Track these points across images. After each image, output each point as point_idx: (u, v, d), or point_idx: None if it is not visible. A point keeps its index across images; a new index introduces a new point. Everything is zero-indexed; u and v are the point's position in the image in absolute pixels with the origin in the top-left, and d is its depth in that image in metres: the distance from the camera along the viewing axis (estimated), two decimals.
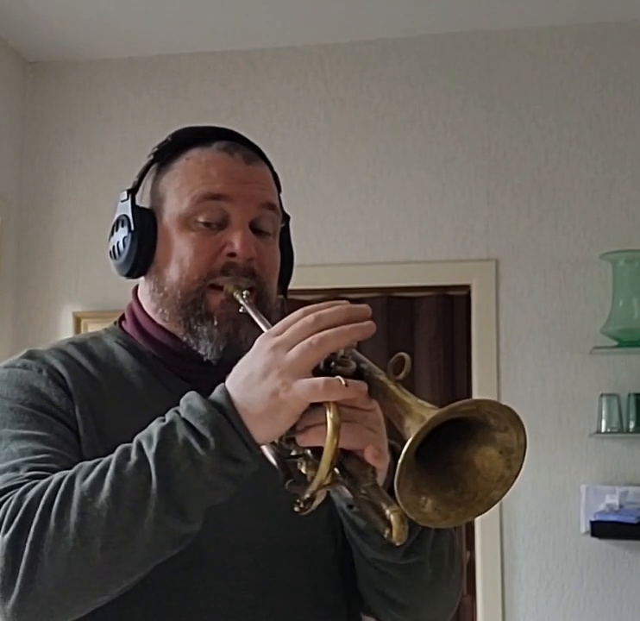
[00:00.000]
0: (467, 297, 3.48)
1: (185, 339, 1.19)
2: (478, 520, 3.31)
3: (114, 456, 0.96)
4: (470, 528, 3.40)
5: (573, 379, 3.32)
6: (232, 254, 1.17)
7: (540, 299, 3.39)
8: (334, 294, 3.57)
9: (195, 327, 1.18)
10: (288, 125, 3.63)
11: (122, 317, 1.28)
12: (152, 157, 1.24)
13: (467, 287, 3.48)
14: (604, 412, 3.22)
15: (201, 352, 1.18)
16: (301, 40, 3.61)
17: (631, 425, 3.21)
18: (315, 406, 0.93)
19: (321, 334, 0.93)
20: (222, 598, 1.11)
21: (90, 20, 3.49)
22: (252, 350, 0.97)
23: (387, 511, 0.90)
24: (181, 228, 1.19)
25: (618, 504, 3.18)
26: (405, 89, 3.58)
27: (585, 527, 3.22)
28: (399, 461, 0.83)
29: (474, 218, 3.47)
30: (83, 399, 1.13)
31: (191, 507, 0.94)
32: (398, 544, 0.92)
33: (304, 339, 0.93)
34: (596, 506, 3.20)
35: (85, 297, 3.60)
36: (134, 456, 0.95)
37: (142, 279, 1.25)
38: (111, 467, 0.95)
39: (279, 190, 1.28)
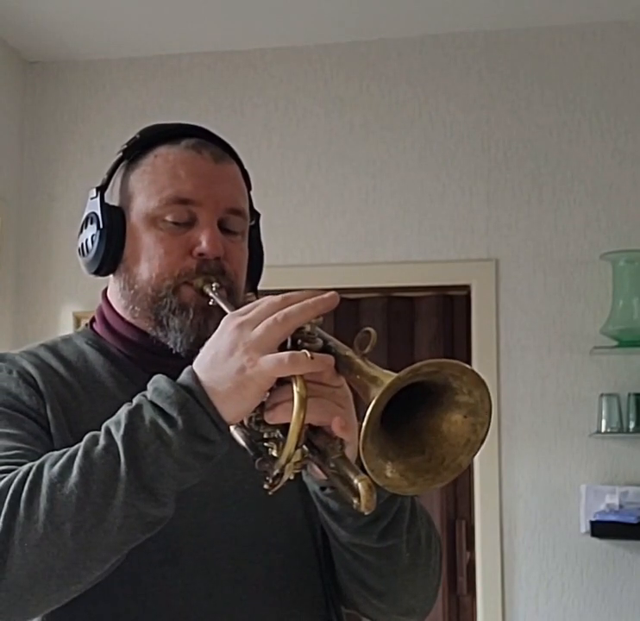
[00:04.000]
0: (467, 298, 3.48)
1: (154, 333, 1.19)
2: (478, 520, 3.31)
3: (82, 443, 0.96)
4: (470, 528, 3.40)
5: (573, 379, 3.32)
6: (201, 254, 1.17)
7: (540, 299, 3.39)
8: None
9: (166, 320, 1.17)
10: (288, 125, 3.63)
11: (93, 319, 1.28)
12: (121, 154, 1.23)
13: (467, 287, 3.48)
14: (604, 412, 3.22)
15: (170, 344, 1.17)
16: (301, 40, 3.61)
17: (631, 425, 3.21)
18: (283, 385, 0.93)
19: (285, 310, 0.93)
20: (200, 593, 1.10)
21: (91, 20, 3.49)
22: (217, 330, 0.97)
23: (355, 480, 0.90)
24: (149, 226, 1.19)
25: (618, 504, 3.18)
26: (405, 89, 3.58)
27: (585, 527, 3.21)
28: (364, 424, 0.83)
29: (474, 218, 3.47)
30: (54, 399, 1.13)
31: (161, 488, 0.93)
32: (366, 513, 0.91)
33: (268, 316, 0.93)
34: (596, 506, 3.20)
35: (85, 298, 3.59)
36: (102, 441, 0.94)
37: (111, 277, 1.25)
38: (80, 453, 0.94)
39: (250, 187, 1.28)
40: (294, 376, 0.91)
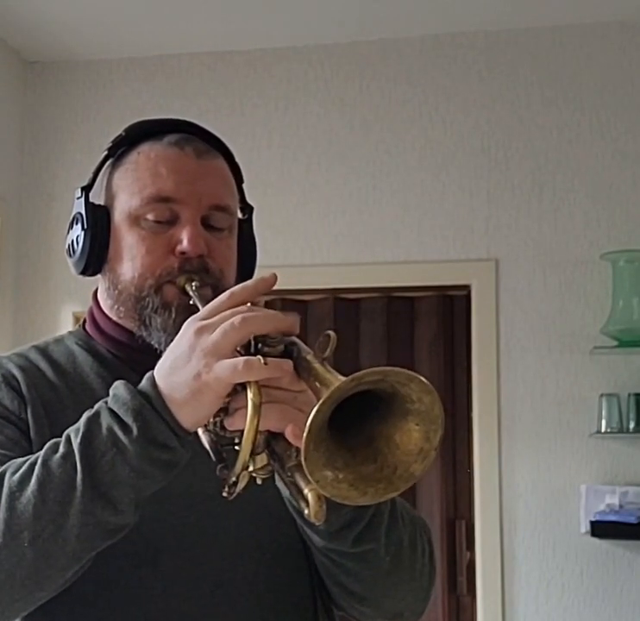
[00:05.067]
0: (467, 298, 3.48)
1: (139, 333, 1.18)
2: (478, 520, 3.31)
3: (43, 450, 0.96)
4: (470, 528, 3.40)
5: (573, 379, 3.32)
6: (183, 252, 1.15)
7: (540, 299, 3.39)
8: (334, 294, 3.57)
9: (149, 320, 1.16)
10: (288, 125, 3.63)
11: (85, 320, 1.28)
12: (106, 152, 1.22)
13: (467, 287, 3.48)
14: (604, 412, 3.22)
15: (154, 344, 1.16)
16: (301, 40, 3.61)
17: (631, 425, 3.21)
18: (243, 390, 0.92)
19: (245, 314, 0.92)
20: (181, 596, 1.09)
21: (91, 20, 3.49)
22: (179, 335, 0.96)
23: (305, 490, 0.89)
24: (131, 225, 1.18)
25: (618, 504, 3.18)
26: (405, 89, 3.58)
27: (585, 527, 3.21)
28: (304, 434, 0.81)
29: (474, 218, 3.47)
30: (37, 403, 1.13)
31: (119, 496, 0.93)
32: (317, 524, 0.90)
33: (226, 321, 0.92)
34: (596, 506, 3.20)
35: (85, 297, 3.54)
36: (61, 449, 0.94)
37: (100, 277, 1.24)
38: (39, 461, 0.94)
39: (241, 180, 1.26)
40: (249, 382, 0.90)
